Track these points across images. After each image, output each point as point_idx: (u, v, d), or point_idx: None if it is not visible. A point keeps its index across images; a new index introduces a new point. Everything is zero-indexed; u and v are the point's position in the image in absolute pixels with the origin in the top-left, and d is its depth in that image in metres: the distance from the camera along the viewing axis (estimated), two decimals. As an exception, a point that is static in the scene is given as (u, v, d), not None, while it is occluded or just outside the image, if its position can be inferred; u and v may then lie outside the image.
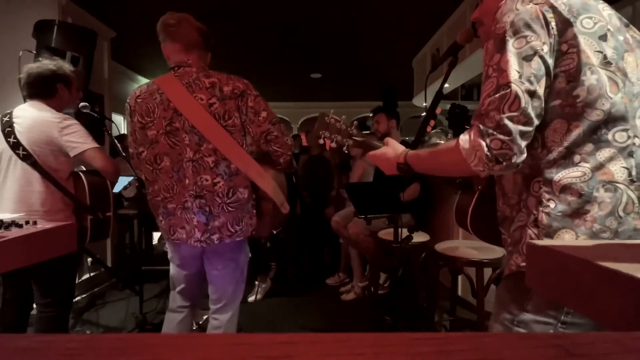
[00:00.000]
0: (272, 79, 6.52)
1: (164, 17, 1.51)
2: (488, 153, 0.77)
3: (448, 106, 3.22)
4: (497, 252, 2.00)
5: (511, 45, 0.78)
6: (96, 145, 1.74)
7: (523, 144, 0.77)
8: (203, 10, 3.68)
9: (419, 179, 2.80)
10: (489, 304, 2.07)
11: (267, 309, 3.05)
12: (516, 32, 0.78)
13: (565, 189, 0.78)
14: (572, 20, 0.79)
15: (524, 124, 0.76)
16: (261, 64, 5.61)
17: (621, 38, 0.82)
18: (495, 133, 0.76)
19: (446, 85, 1.26)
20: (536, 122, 0.78)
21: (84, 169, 1.92)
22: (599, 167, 0.77)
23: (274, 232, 1.83)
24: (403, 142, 3.19)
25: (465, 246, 2.07)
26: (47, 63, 1.80)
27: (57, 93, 1.79)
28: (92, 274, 3.30)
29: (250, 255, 1.75)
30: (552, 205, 0.79)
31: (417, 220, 2.89)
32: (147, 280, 2.84)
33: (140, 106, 1.49)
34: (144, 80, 6.34)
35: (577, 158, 0.78)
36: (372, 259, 2.96)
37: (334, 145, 1.22)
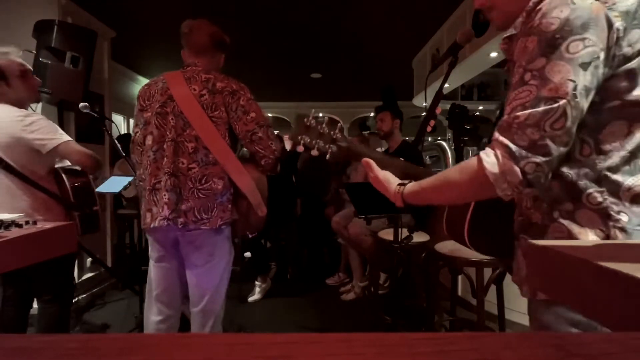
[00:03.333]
0: (272, 79, 6.52)
1: (182, 25, 1.64)
2: (522, 178, 0.68)
3: (448, 106, 3.22)
4: (497, 252, 2.00)
5: (564, 48, 0.66)
6: (67, 138, 1.66)
7: (555, 164, 0.69)
8: (202, 10, 3.68)
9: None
10: (489, 304, 2.07)
11: (267, 309, 3.05)
12: (571, 33, 0.66)
13: (637, 197, 0.68)
14: (638, 16, 0.68)
15: (566, 144, 0.67)
16: (261, 64, 5.61)
17: None
18: (529, 155, 0.67)
19: (446, 85, 1.26)
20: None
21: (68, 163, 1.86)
22: None
23: (250, 235, 1.77)
24: (403, 142, 3.20)
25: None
26: None
27: None
28: (92, 274, 3.30)
29: (250, 255, 1.74)
30: (624, 218, 0.68)
31: (417, 220, 2.89)
32: (146, 280, 2.84)
33: (145, 92, 1.62)
34: (144, 80, 6.34)
35: None
36: (372, 259, 2.96)
37: (315, 152, 1.03)
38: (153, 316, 1.66)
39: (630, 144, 0.69)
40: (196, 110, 1.49)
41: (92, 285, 3.26)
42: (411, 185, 0.90)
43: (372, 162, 1.00)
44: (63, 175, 1.75)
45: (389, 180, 0.96)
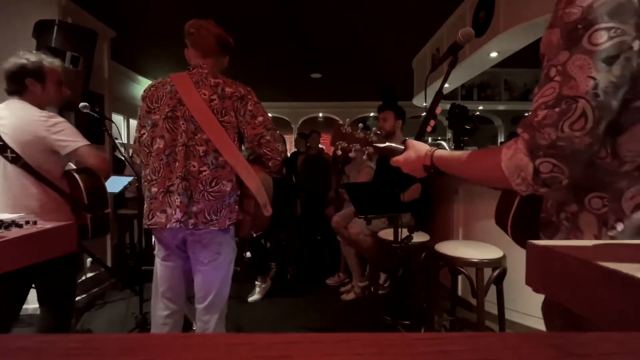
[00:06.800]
0: (272, 79, 6.52)
1: (187, 24, 1.64)
2: (534, 176, 0.65)
3: (448, 106, 3.22)
4: (497, 252, 2.00)
5: (586, 40, 0.60)
6: (87, 142, 1.70)
7: (580, 167, 0.64)
8: (202, 10, 3.68)
9: (419, 180, 2.81)
10: (489, 304, 2.08)
11: (267, 309, 3.05)
12: (594, 22, 0.60)
13: (637, 208, 0.64)
14: None
15: (587, 145, 0.61)
16: (261, 64, 5.61)
17: None
18: (547, 154, 0.63)
19: (446, 85, 1.26)
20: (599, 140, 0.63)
21: (73, 166, 1.90)
22: None
23: (254, 234, 1.81)
24: (403, 143, 3.20)
25: (465, 246, 2.07)
26: (20, 57, 1.70)
27: (27, 89, 1.69)
28: (92, 274, 3.30)
29: (250, 255, 1.74)
30: (619, 227, 0.65)
31: (417, 220, 2.89)
32: (147, 280, 2.84)
33: (152, 93, 1.62)
34: (144, 80, 6.34)
35: None
36: (372, 259, 2.96)
37: (352, 155, 1.21)
38: (159, 311, 1.71)
39: None
40: (207, 115, 1.52)
41: (92, 285, 3.26)
42: (442, 151, 0.96)
43: (411, 141, 1.10)
44: (77, 177, 1.76)
45: (420, 149, 1.03)
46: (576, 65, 0.61)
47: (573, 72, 0.61)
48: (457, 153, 0.90)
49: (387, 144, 1.16)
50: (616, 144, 0.65)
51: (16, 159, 1.60)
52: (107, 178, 1.88)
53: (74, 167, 1.90)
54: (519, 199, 0.92)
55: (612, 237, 0.66)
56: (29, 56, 1.72)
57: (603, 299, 0.44)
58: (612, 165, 0.66)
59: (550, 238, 0.76)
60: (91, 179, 1.80)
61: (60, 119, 1.69)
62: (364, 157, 1.18)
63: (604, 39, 0.59)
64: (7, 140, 1.59)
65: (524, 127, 0.67)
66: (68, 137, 1.66)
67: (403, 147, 1.10)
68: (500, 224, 1.00)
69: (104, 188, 1.86)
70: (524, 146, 0.66)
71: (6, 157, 1.59)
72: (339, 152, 1.19)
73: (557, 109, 0.62)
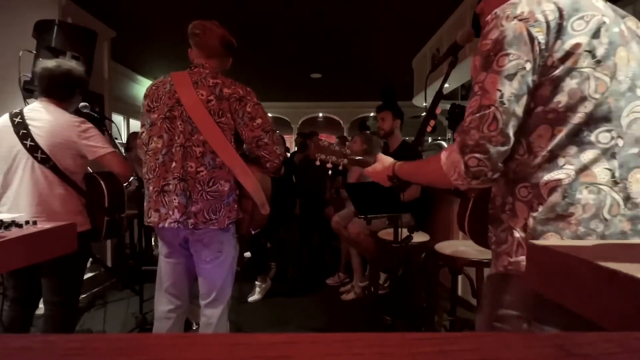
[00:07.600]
0: (272, 79, 6.53)
1: (191, 25, 1.66)
2: (465, 169, 0.81)
3: (448, 106, 3.22)
4: (497, 252, 1.99)
5: (495, 63, 0.80)
6: (113, 149, 1.77)
7: (499, 161, 0.81)
8: (202, 11, 3.68)
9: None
10: (489, 304, 2.07)
11: (267, 309, 3.05)
12: (500, 50, 0.79)
13: (551, 192, 0.79)
14: (562, 28, 0.78)
15: (502, 144, 0.79)
16: (261, 64, 5.61)
17: (616, 30, 0.80)
18: (472, 151, 0.80)
19: (446, 85, 1.26)
20: (513, 140, 0.80)
21: (90, 170, 1.93)
22: (583, 169, 0.77)
23: (252, 232, 1.84)
24: (403, 142, 3.19)
25: (465, 246, 2.07)
26: (72, 64, 1.80)
27: (73, 96, 1.80)
28: (92, 274, 3.30)
29: (250, 255, 1.75)
30: (540, 209, 0.80)
31: (417, 220, 2.89)
32: (147, 280, 2.84)
33: (153, 92, 1.63)
34: (144, 80, 6.34)
35: (561, 161, 0.79)
36: (372, 259, 2.96)
37: (330, 166, 1.33)
38: (163, 306, 1.73)
39: (551, 145, 0.80)
40: (204, 116, 1.53)
41: (92, 285, 3.26)
42: (403, 162, 1.14)
43: (381, 155, 1.25)
44: (101, 181, 1.80)
45: (385, 161, 1.19)
46: (489, 82, 0.80)
47: (488, 87, 0.80)
48: (414, 162, 1.10)
49: (358, 157, 1.31)
50: (529, 143, 0.82)
51: (45, 160, 1.64)
52: (125, 182, 1.95)
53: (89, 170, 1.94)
54: (470, 206, 1.06)
55: (534, 218, 0.80)
56: (78, 66, 1.82)
57: (603, 299, 0.44)
58: (529, 159, 0.82)
59: (496, 230, 0.90)
60: (114, 184, 1.85)
61: (90, 125, 1.75)
62: (340, 168, 1.32)
63: (505, 62, 0.79)
64: (40, 141, 1.64)
65: (457, 132, 0.85)
66: (97, 144, 1.73)
67: (374, 160, 1.23)
68: (461, 227, 1.13)
69: (124, 193, 1.91)
70: (457, 146, 0.83)
71: (35, 157, 1.63)
72: (318, 164, 1.32)
73: (477, 115, 0.81)
